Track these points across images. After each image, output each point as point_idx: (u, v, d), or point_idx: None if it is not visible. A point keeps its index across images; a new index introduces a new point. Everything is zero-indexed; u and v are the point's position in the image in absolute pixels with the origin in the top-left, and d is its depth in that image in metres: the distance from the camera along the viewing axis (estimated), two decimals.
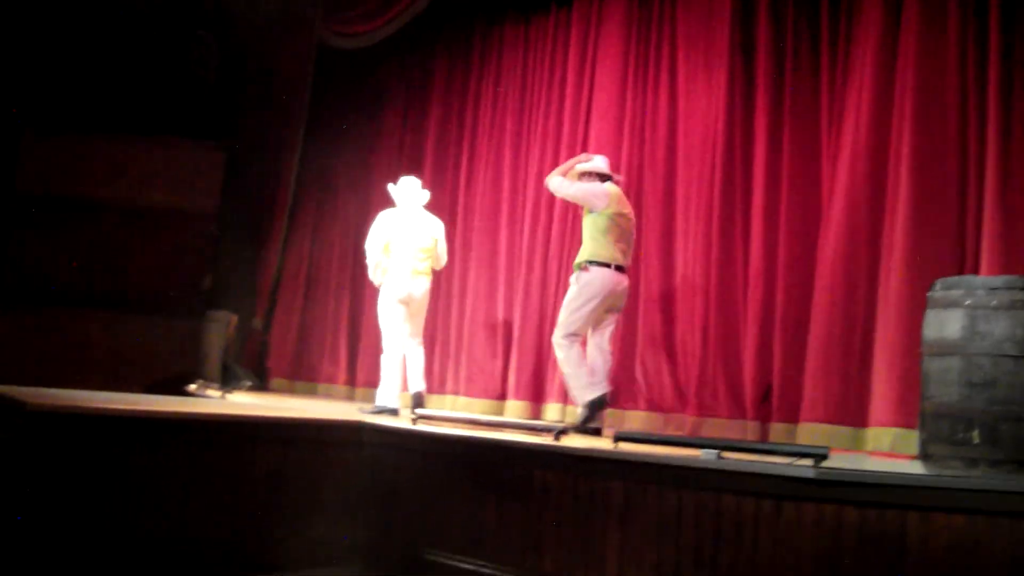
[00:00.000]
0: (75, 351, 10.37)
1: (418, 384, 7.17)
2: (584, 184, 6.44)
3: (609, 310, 6.36)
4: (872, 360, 6.05)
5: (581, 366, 6.27)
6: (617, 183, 6.57)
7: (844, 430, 6.10)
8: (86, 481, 4.78)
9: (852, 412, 6.09)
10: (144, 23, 11.27)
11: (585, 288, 6.22)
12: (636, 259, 7.42)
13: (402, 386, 7.14)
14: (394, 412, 6.87)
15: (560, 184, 6.47)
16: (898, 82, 6.19)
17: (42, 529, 4.61)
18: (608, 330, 6.41)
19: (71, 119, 11.09)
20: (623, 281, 6.33)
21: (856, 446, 5.98)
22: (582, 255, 6.30)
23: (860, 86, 6.37)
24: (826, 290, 6.31)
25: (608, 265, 6.22)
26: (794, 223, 6.58)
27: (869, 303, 6.17)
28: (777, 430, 6.43)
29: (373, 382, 9.38)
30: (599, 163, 6.55)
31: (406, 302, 7.12)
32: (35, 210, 10.85)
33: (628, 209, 6.47)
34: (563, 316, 6.33)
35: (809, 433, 6.21)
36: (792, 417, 6.37)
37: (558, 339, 6.29)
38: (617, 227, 6.30)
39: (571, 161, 6.67)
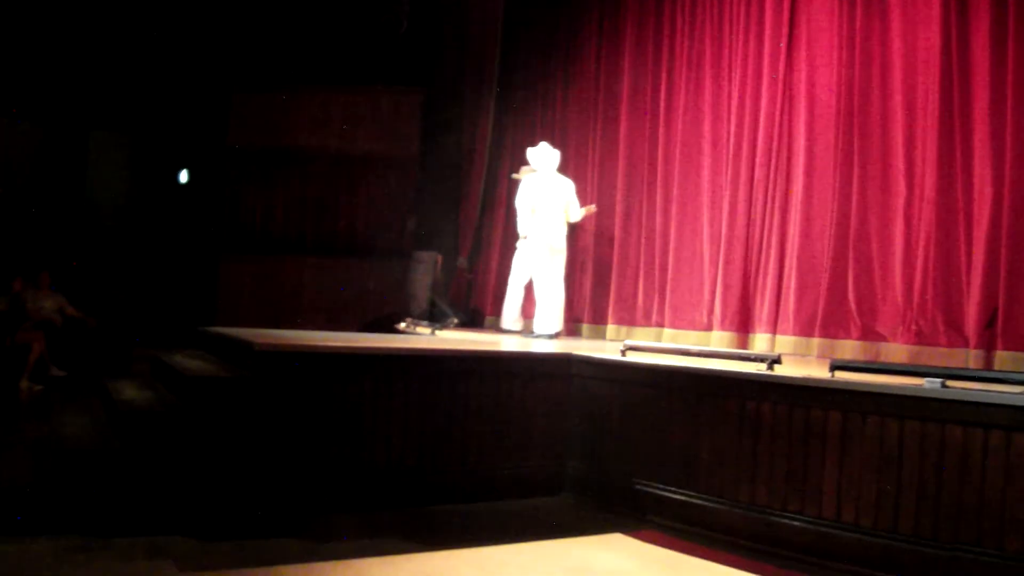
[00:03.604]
0: (293, 295, 10.95)
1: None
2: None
3: None
4: None
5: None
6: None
7: None
8: (311, 413, 5.09)
9: None
10: None
11: None
12: (847, 184, 7.19)
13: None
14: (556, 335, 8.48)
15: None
16: None
17: (272, 457, 4.94)
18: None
19: (275, 75, 11.59)
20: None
21: None
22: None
23: None
24: None
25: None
26: (1022, 138, 6.15)
27: None
28: (1003, 359, 6.07)
29: (574, 317, 9.63)
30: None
31: None
32: (247, 163, 11.43)
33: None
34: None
35: None
36: (1020, 345, 6.03)
37: None
38: None
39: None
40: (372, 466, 5.22)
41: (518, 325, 9.13)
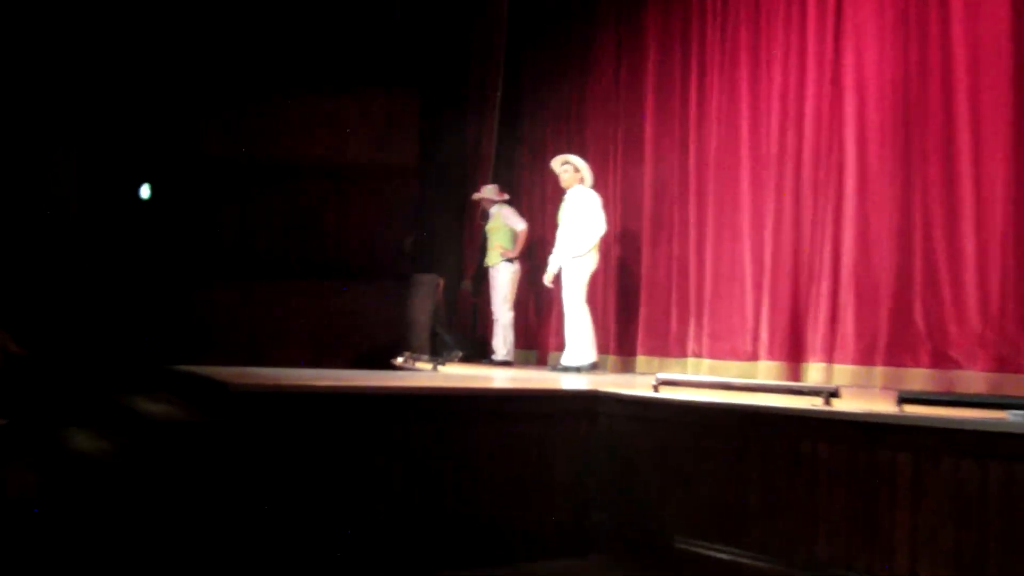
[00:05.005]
0: (276, 325, 10.93)
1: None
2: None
3: None
4: None
5: None
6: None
7: None
8: (295, 464, 5.01)
9: None
10: None
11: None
12: (908, 187, 7.12)
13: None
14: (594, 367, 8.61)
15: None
16: None
17: (249, 516, 4.85)
18: None
19: (254, 76, 11.59)
20: None
21: None
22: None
23: None
24: None
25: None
26: None
27: None
28: None
29: (599, 347, 9.55)
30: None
31: None
32: (223, 176, 11.41)
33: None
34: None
35: None
36: None
37: None
38: None
39: None
40: (368, 525, 5.12)
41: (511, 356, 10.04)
